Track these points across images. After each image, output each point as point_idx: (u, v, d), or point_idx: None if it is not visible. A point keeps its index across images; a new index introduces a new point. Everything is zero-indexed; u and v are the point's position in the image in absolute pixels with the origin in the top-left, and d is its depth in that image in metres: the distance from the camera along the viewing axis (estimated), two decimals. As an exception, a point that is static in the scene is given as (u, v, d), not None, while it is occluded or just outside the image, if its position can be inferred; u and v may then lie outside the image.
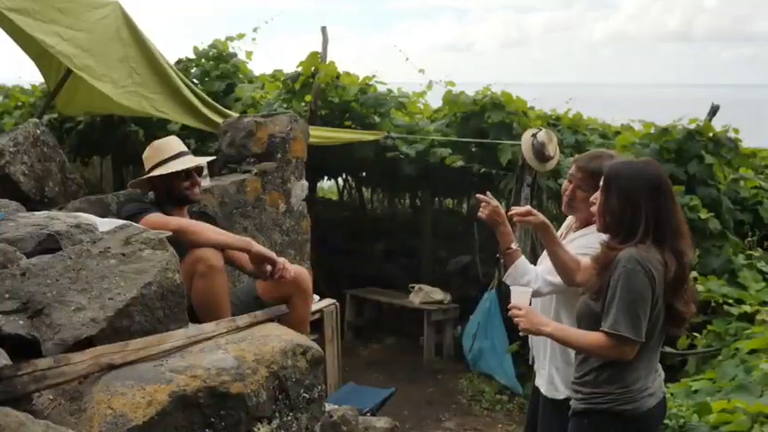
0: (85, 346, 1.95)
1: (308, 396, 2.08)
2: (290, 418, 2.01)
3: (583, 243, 3.24)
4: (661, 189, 2.79)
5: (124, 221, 2.68)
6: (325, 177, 11.05)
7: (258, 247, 3.50)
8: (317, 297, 6.30)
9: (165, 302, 2.16)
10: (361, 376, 7.10)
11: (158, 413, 1.76)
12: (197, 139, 8.19)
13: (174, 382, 1.83)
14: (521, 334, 3.11)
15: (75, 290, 2.08)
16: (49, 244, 2.44)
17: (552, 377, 3.43)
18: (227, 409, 1.87)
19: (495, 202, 3.37)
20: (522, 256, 3.43)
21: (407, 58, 8.10)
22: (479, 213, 3.42)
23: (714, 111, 7.55)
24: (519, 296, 3.00)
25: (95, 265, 2.16)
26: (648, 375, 2.81)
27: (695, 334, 5.91)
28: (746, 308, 5.65)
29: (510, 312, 2.97)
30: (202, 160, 3.88)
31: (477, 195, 3.45)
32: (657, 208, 2.76)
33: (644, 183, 2.79)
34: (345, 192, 12.26)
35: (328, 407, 3.44)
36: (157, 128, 8.22)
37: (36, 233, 2.43)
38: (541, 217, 3.21)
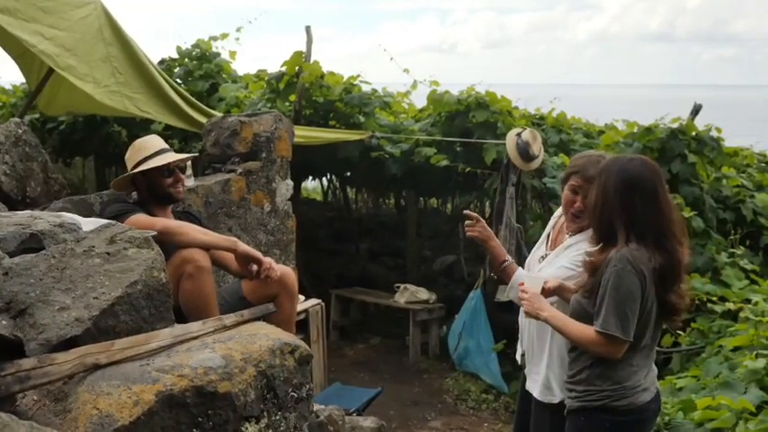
0: (70, 346, 1.92)
1: (296, 395, 2.06)
2: (278, 417, 1.99)
3: (585, 247, 3.20)
4: (636, 187, 2.77)
5: (106, 221, 2.65)
6: (310, 177, 11.03)
7: (244, 247, 3.48)
8: (302, 297, 6.28)
9: (150, 301, 2.13)
10: (347, 376, 7.09)
11: (145, 413, 1.73)
12: (180, 140, 8.15)
13: (160, 381, 1.81)
14: (525, 317, 3.16)
15: (59, 289, 2.05)
16: (31, 243, 2.41)
17: (549, 381, 3.40)
18: (215, 408, 1.85)
19: (482, 220, 3.39)
20: (519, 268, 3.42)
21: (392, 58, 8.10)
22: (468, 233, 3.43)
23: (696, 110, 7.60)
24: (531, 282, 3.06)
25: (80, 264, 2.13)
26: (642, 371, 2.83)
27: (679, 332, 5.94)
28: (730, 305, 5.68)
29: (519, 294, 3.02)
30: (185, 156, 3.85)
31: (465, 212, 3.47)
32: (632, 207, 2.76)
33: (619, 181, 2.80)
34: (330, 192, 12.24)
35: (315, 407, 3.44)
36: (140, 128, 8.17)
37: (18, 232, 2.39)
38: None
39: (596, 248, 2.85)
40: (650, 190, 2.77)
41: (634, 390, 2.80)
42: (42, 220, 2.59)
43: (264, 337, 2.06)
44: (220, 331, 2.11)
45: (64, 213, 2.87)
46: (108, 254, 2.18)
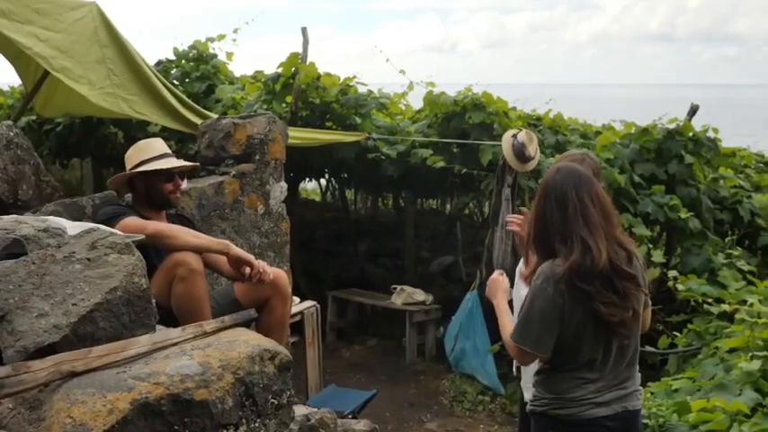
0: (48, 353, 1.92)
1: (276, 402, 2.05)
2: (257, 424, 1.98)
3: None
4: (547, 196, 2.76)
5: (92, 225, 2.64)
6: (307, 179, 11.03)
7: (236, 250, 3.48)
8: (296, 299, 6.28)
9: (130, 308, 2.11)
10: (344, 378, 7.08)
11: (119, 422, 1.72)
12: (177, 141, 8.15)
13: (135, 389, 1.79)
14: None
15: (38, 296, 2.04)
16: (15, 249, 2.39)
17: None
18: (192, 416, 1.84)
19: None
20: None
21: (388, 59, 8.09)
22: (509, 227, 3.50)
23: (694, 110, 7.60)
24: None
25: (60, 271, 2.12)
26: (593, 386, 2.75)
27: (675, 333, 5.93)
28: (725, 307, 5.66)
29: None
30: (189, 163, 3.85)
31: (522, 208, 3.54)
32: (544, 216, 2.76)
33: (538, 193, 2.82)
34: (329, 193, 12.24)
35: (307, 410, 3.42)
36: (137, 129, 8.18)
37: (2, 237, 2.37)
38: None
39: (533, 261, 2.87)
40: (559, 196, 2.73)
41: (576, 402, 2.74)
42: (27, 224, 2.57)
43: (244, 343, 2.05)
44: (200, 338, 2.10)
45: (50, 218, 2.86)
46: (89, 260, 2.17)
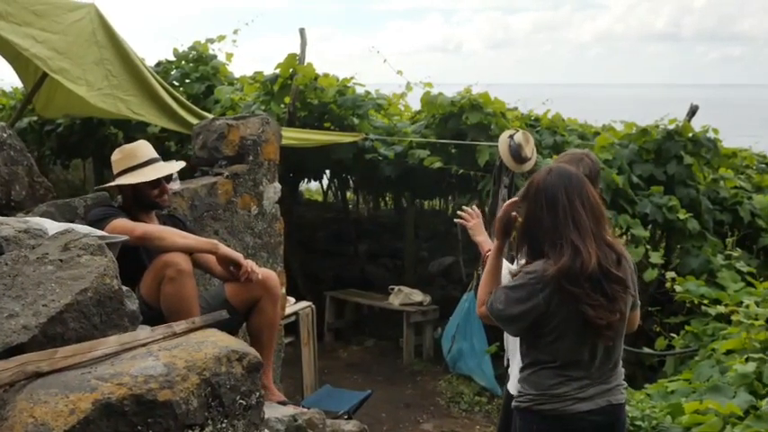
0: (17, 353, 1.93)
1: (244, 403, 2.05)
2: (224, 425, 1.98)
3: None
4: (538, 198, 2.77)
5: (69, 225, 2.64)
6: (306, 180, 11.04)
7: (224, 249, 3.49)
8: (292, 299, 6.29)
9: (101, 309, 2.12)
10: (341, 378, 7.09)
11: (80, 421, 1.73)
12: (176, 142, 8.18)
13: (98, 389, 1.80)
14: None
15: (9, 296, 2.05)
16: (-8, 250, 2.40)
17: None
18: (155, 416, 1.84)
19: (478, 218, 3.59)
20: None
21: (385, 60, 8.09)
22: (457, 219, 3.64)
23: (693, 111, 7.57)
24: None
25: (32, 272, 2.13)
26: (575, 383, 2.77)
27: (673, 335, 5.91)
28: (722, 308, 5.63)
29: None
30: (172, 168, 3.83)
31: (465, 207, 3.66)
32: (534, 217, 2.77)
33: (530, 195, 2.83)
34: (330, 193, 12.24)
35: (295, 410, 3.42)
36: (137, 130, 8.20)
37: (-21, 239, 2.39)
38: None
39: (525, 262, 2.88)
40: (549, 198, 2.74)
41: (559, 398, 2.77)
42: (8, 225, 2.59)
43: (212, 344, 2.05)
44: (169, 338, 2.10)
45: (32, 219, 2.87)
46: (61, 261, 2.18)
